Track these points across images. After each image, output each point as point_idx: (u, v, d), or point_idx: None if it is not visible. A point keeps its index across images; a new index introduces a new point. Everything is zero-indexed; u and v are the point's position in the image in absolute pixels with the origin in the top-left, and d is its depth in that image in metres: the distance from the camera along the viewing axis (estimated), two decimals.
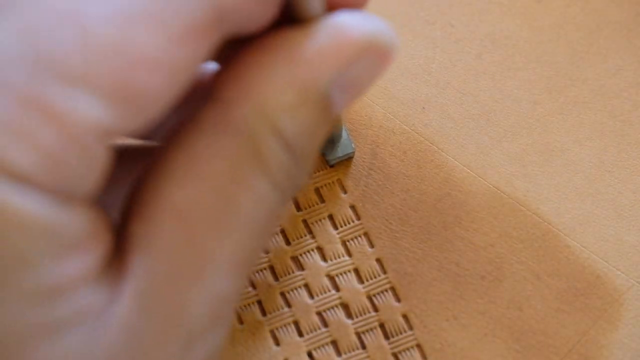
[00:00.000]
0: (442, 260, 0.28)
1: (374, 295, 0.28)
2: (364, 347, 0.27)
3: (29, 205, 0.15)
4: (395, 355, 0.27)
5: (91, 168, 0.15)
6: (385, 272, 0.28)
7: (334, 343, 0.27)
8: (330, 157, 0.28)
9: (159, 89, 0.16)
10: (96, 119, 0.15)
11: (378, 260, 0.28)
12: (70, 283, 0.16)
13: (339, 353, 0.27)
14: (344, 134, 0.28)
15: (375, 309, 0.28)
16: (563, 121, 0.29)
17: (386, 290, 0.28)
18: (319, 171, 0.29)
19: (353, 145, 0.28)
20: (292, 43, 0.17)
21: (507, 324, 0.27)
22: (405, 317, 0.28)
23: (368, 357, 0.27)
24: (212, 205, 0.16)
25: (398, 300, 0.28)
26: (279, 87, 0.17)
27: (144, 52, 0.15)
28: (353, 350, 0.27)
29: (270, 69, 0.17)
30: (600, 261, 0.28)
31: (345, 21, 0.17)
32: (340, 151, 0.28)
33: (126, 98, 0.15)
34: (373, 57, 0.18)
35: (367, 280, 0.28)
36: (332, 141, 0.28)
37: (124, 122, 0.16)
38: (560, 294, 0.27)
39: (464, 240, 0.28)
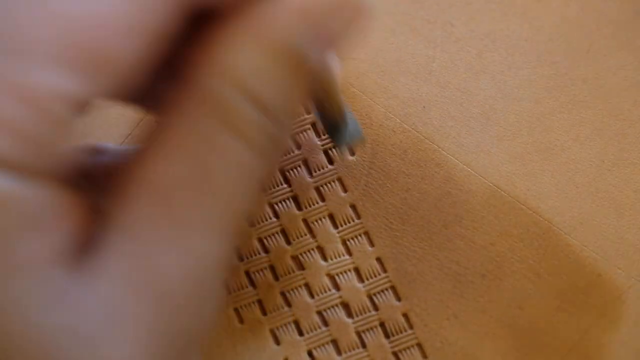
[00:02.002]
0: (443, 259, 0.28)
1: (374, 295, 0.28)
2: (364, 346, 0.27)
3: None
4: (395, 354, 0.27)
5: (62, 139, 0.16)
6: (385, 271, 0.28)
7: (334, 342, 0.27)
8: (339, 142, 0.27)
9: (126, 53, 0.16)
10: (64, 89, 0.15)
11: (378, 259, 0.28)
12: (36, 261, 0.16)
13: (339, 352, 0.27)
14: (351, 121, 0.28)
15: (376, 308, 0.28)
16: (563, 120, 0.29)
17: (386, 289, 0.28)
18: (319, 170, 0.29)
19: (360, 130, 0.28)
20: (256, 7, 0.17)
21: (507, 322, 0.27)
22: (405, 316, 0.27)
23: (368, 356, 0.27)
24: (187, 175, 0.17)
25: (398, 299, 0.28)
26: (245, 51, 0.17)
27: (108, 18, 0.16)
28: (353, 349, 0.27)
29: (235, 36, 0.17)
30: (600, 260, 0.28)
31: None
32: (349, 136, 0.28)
33: (93, 65, 0.16)
34: (343, 11, 0.18)
35: (368, 279, 0.28)
36: (337, 128, 0.27)
37: (94, 88, 0.16)
38: (560, 293, 0.27)
39: (465, 238, 0.28)
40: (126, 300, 0.16)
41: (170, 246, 0.17)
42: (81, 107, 0.16)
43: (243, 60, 0.17)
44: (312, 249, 0.28)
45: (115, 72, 0.16)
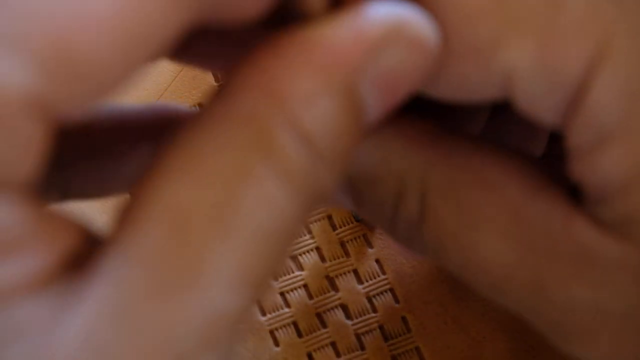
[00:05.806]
0: None
1: (374, 296, 0.27)
2: (363, 348, 0.27)
3: None
4: (394, 357, 0.27)
5: (24, 151, 0.13)
6: (384, 273, 0.28)
7: (334, 344, 0.27)
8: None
9: (106, 56, 0.13)
10: (22, 85, 0.13)
11: (377, 261, 0.28)
12: (9, 290, 0.13)
13: (338, 354, 0.27)
14: None
15: (375, 310, 0.27)
16: None
17: (385, 291, 0.28)
18: None
19: None
20: (308, 32, 0.15)
21: (506, 326, 0.27)
22: (404, 318, 0.27)
23: (367, 358, 0.27)
24: (213, 203, 0.14)
25: (397, 301, 0.27)
26: (295, 72, 0.14)
27: (87, 9, 0.13)
28: (352, 351, 0.27)
29: (284, 56, 0.15)
30: None
31: (365, 7, 0.15)
32: None
33: (63, 62, 0.13)
34: (403, 46, 0.15)
35: (367, 281, 0.28)
36: None
37: (63, 93, 0.13)
38: None
39: None
40: (116, 343, 0.13)
41: (181, 289, 0.13)
42: (46, 115, 0.13)
43: (293, 82, 0.14)
44: (311, 250, 0.28)
45: (92, 79, 0.13)
